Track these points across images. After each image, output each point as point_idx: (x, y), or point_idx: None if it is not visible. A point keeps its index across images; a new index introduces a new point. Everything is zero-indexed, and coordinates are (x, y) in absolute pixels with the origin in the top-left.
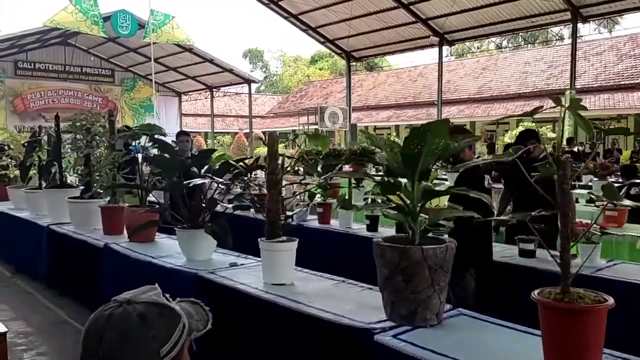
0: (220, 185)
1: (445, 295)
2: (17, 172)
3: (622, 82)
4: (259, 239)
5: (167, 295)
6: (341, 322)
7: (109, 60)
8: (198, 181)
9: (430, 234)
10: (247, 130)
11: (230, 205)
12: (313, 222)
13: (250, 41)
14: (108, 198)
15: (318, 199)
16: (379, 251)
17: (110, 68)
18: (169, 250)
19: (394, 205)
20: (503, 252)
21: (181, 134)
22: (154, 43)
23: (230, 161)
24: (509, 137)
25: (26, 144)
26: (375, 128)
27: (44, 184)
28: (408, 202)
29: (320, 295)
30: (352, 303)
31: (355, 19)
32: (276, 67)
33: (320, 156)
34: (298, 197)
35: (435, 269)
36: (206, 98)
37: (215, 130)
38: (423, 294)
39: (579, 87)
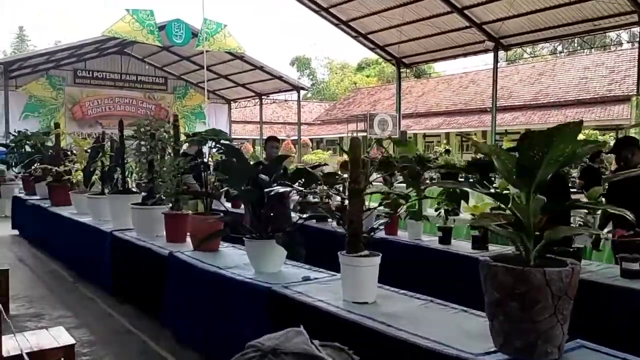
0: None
1: (568, 326)
2: (80, 177)
3: None
4: (339, 253)
5: (316, 343)
6: (444, 351)
7: (162, 68)
8: (280, 189)
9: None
10: (294, 137)
11: (304, 216)
12: (379, 232)
13: (297, 49)
14: (170, 204)
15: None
16: (490, 272)
17: (164, 76)
18: (236, 260)
19: (509, 220)
20: (601, 271)
21: (271, 139)
22: (206, 51)
23: (308, 169)
24: None
25: (89, 150)
26: (424, 135)
27: (106, 190)
28: (520, 216)
29: (410, 317)
30: (449, 328)
31: (406, 25)
32: (323, 75)
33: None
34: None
35: (560, 296)
36: (255, 105)
37: (263, 137)
38: (544, 324)
39: None
